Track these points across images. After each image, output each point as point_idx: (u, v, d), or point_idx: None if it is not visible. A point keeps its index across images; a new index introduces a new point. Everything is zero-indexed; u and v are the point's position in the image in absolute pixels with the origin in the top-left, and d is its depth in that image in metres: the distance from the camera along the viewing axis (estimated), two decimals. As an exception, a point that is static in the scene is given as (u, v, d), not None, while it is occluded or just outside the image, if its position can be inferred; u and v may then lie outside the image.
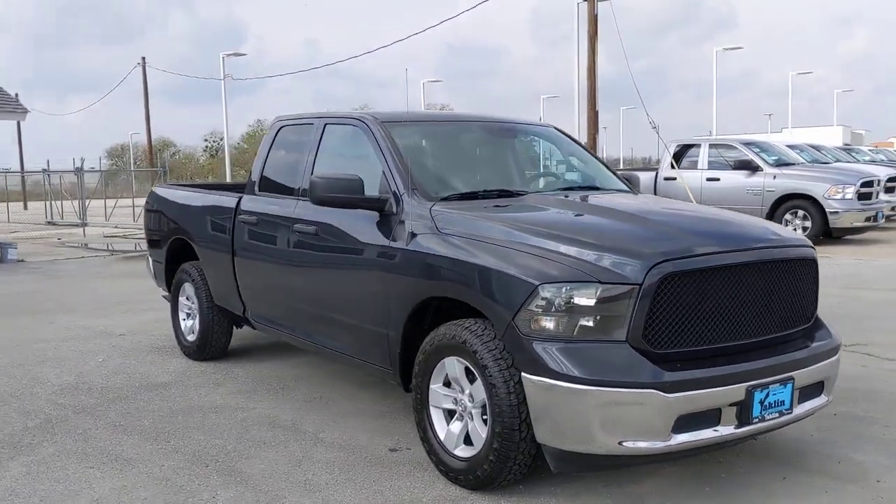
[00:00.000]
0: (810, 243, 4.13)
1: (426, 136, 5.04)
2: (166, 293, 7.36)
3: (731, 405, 3.53)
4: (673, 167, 14.60)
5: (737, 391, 3.52)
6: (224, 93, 36.90)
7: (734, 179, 14.45)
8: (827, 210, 13.78)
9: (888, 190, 15.90)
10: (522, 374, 3.55)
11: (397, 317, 4.26)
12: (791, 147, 17.26)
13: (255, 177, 5.72)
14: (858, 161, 22.83)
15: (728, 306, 3.63)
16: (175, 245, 6.80)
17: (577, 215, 4.26)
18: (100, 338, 7.56)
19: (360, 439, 4.65)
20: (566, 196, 4.76)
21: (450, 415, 4.06)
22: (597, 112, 14.54)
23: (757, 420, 3.61)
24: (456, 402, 3.98)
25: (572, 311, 3.45)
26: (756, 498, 3.78)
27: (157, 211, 7.12)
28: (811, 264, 4.01)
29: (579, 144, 5.70)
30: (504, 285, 3.63)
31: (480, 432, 3.80)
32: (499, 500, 3.79)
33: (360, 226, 4.58)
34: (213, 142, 77.49)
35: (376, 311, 4.41)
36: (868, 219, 14.16)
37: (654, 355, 3.44)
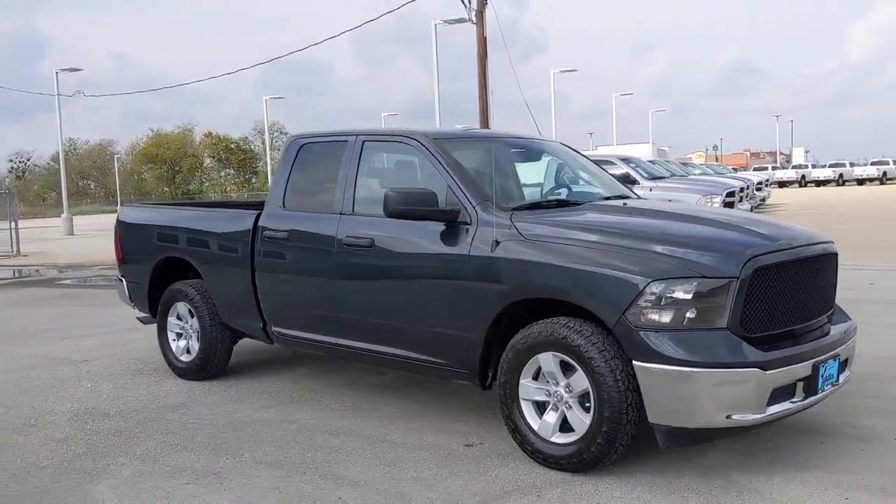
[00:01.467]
0: (833, 241, 4.82)
1: (470, 152, 5.36)
2: (143, 315, 7.22)
3: (801, 379, 4.11)
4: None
5: (806, 367, 4.11)
6: (59, 110, 35.04)
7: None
8: (699, 218, 15.11)
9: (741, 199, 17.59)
10: (634, 362, 3.97)
11: (480, 320, 4.57)
12: (651, 163, 18.68)
13: (278, 194, 5.81)
14: (694, 174, 24.88)
15: (792, 295, 4.23)
16: (162, 265, 6.71)
17: (650, 220, 4.74)
18: (62, 365, 7.28)
19: (428, 439, 4.90)
20: (624, 204, 5.24)
21: (537, 406, 4.42)
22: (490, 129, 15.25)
23: (819, 392, 4.22)
24: (548, 394, 4.34)
25: (680, 303, 3.91)
26: (812, 459, 4.37)
27: (137, 231, 6.98)
28: (836, 258, 4.70)
29: (584, 157, 6.21)
30: (614, 283, 4.04)
31: (583, 419, 4.18)
32: (601, 478, 4.17)
33: (426, 237, 4.84)
34: (20, 163, 72.34)
35: (453, 316, 4.69)
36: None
37: (748, 339, 3.97)
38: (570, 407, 4.26)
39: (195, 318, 6.41)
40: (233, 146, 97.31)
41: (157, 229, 6.76)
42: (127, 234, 7.10)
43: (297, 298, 5.64)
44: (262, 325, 5.95)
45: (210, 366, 6.40)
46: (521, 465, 4.39)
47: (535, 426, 4.39)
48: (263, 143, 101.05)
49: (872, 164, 61.08)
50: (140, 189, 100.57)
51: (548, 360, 4.30)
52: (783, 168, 67.28)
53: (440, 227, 4.82)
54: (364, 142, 5.45)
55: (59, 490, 4.27)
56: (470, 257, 4.61)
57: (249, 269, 5.87)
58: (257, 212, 5.96)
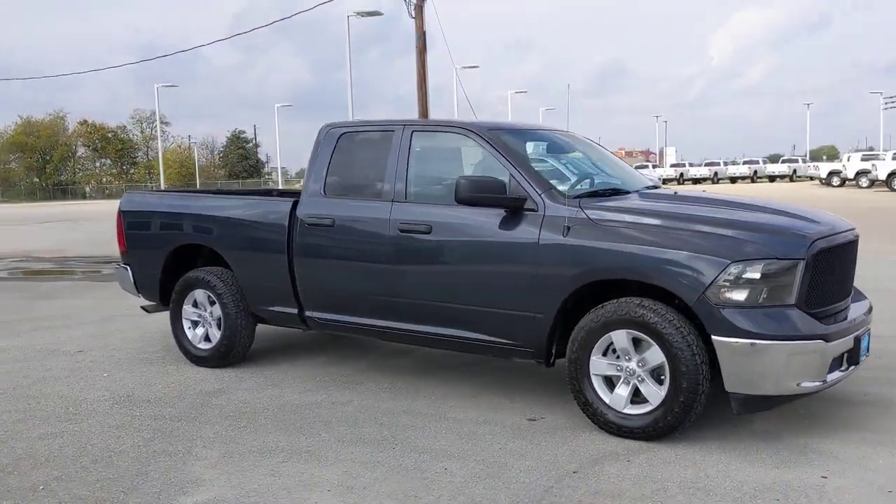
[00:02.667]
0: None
1: (522, 144, 5.62)
2: (149, 304, 7.15)
3: (847, 351, 4.61)
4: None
5: (850, 340, 4.61)
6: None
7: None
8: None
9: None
10: (714, 336, 4.36)
11: (551, 301, 4.86)
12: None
13: (318, 182, 5.92)
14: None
15: (835, 275, 4.73)
16: (178, 253, 6.68)
17: (710, 207, 5.13)
18: (57, 356, 7.11)
19: (488, 416, 5.15)
20: (674, 193, 5.63)
21: (606, 381, 4.75)
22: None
23: (858, 362, 4.74)
24: (619, 368, 4.69)
25: (755, 282, 4.33)
26: (849, 422, 4.88)
27: (148, 219, 6.90)
28: (858, 242, 5.25)
29: (607, 151, 6.58)
30: (696, 265, 4.41)
31: (658, 391, 4.55)
32: (676, 445, 4.54)
33: (488, 223, 5.09)
34: None
35: (522, 298, 4.96)
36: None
37: (810, 315, 4.44)
38: (643, 380, 4.61)
39: (217, 305, 6.42)
40: (109, 135, 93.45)
41: (174, 217, 6.70)
42: (134, 222, 6.99)
43: (342, 283, 5.76)
44: (298, 310, 6.03)
45: (234, 353, 6.43)
46: (593, 436, 4.71)
47: (606, 399, 4.73)
48: (142, 132, 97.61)
49: (745, 163, 64.76)
50: (7, 179, 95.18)
51: (621, 337, 4.64)
52: (661, 167, 70.24)
53: (501, 213, 5.07)
54: (413, 132, 5.63)
55: (156, 471, 4.30)
56: (540, 242, 4.88)
57: (286, 256, 5.95)
58: (293, 199, 6.04)
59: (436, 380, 6.01)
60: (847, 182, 43.32)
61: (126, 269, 7.07)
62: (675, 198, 5.46)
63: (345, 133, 5.98)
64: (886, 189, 37.62)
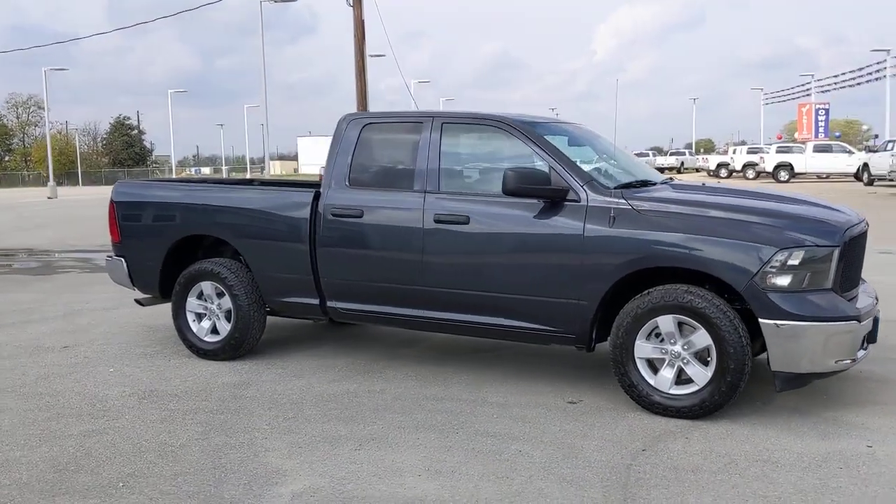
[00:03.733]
0: None
1: (554, 137, 5.77)
2: (144, 297, 6.99)
3: (869, 331, 5.01)
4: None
5: (871, 321, 5.02)
6: None
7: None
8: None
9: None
10: (761, 319, 4.67)
11: (596, 289, 5.07)
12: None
13: (342, 172, 5.92)
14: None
15: (855, 263, 5.12)
16: (180, 245, 6.55)
17: (744, 198, 5.43)
18: (47, 352, 6.85)
19: (529, 399, 5.32)
20: (703, 184, 5.91)
21: (649, 364, 5.00)
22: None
23: (875, 340, 5.15)
24: (663, 351, 4.94)
25: (799, 268, 4.66)
26: (868, 393, 5.29)
27: (149, 209, 6.73)
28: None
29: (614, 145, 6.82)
30: (745, 252, 4.69)
31: (704, 372, 4.82)
32: (722, 422, 4.82)
33: (528, 213, 5.25)
34: None
35: (566, 286, 5.14)
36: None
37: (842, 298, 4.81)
38: (688, 362, 4.88)
39: (226, 297, 6.33)
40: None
41: (181, 208, 6.55)
42: (131, 213, 6.80)
43: (371, 273, 5.79)
44: (319, 301, 6.03)
45: (244, 345, 6.36)
46: (639, 417, 4.95)
47: (651, 381, 4.97)
48: (18, 117, 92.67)
49: (671, 154, 67.11)
50: None
51: (667, 322, 4.89)
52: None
53: (538, 203, 5.24)
54: (443, 124, 5.72)
55: (230, 463, 4.28)
56: (586, 232, 5.07)
57: (308, 247, 5.93)
58: (314, 190, 6.02)
59: (455, 366, 6.13)
60: (735, 174, 45.52)
61: (121, 260, 6.86)
62: (707, 189, 5.76)
63: (368, 124, 6.00)
64: (772, 180, 39.75)
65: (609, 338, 5.12)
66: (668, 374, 4.95)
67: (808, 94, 52.93)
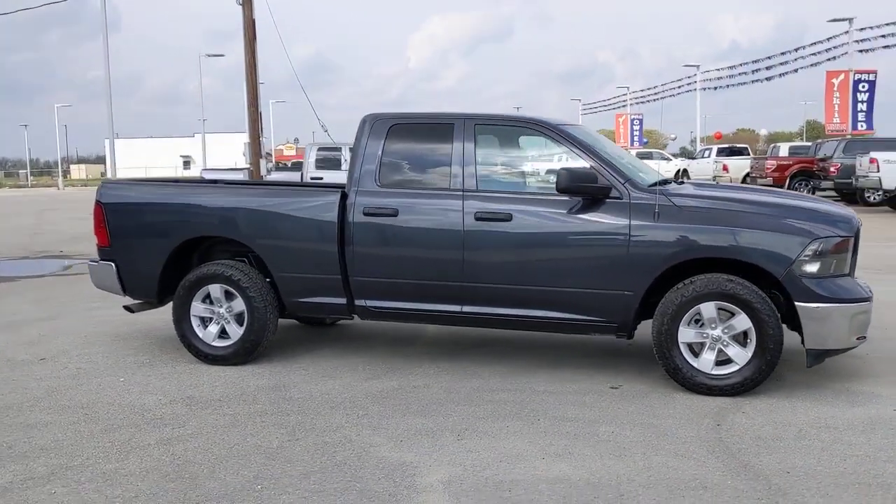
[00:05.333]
0: None
1: (587, 137, 6.07)
2: (135, 303, 6.71)
3: (866, 312, 5.71)
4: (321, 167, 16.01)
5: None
6: None
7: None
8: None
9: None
10: (797, 303, 5.23)
11: (642, 280, 5.46)
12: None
13: (370, 172, 5.98)
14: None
15: (856, 251, 5.81)
16: (183, 247, 6.35)
17: (765, 195, 5.97)
18: (41, 365, 6.40)
19: (574, 387, 5.62)
20: (717, 183, 6.39)
21: (689, 348, 5.46)
22: (260, 113, 15.11)
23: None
24: (704, 336, 5.41)
25: (827, 256, 5.26)
26: (856, 372, 5.99)
27: (146, 211, 6.45)
28: None
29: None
30: (784, 243, 5.23)
31: (744, 352, 5.33)
32: (762, 397, 5.33)
33: (569, 210, 5.57)
34: None
35: (613, 278, 5.49)
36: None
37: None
38: (727, 344, 5.37)
39: (237, 299, 6.20)
40: None
41: (186, 210, 6.33)
42: (124, 214, 6.48)
43: (406, 271, 5.88)
44: (346, 300, 6.05)
45: (259, 348, 6.26)
46: (686, 397, 5.37)
47: (695, 364, 5.42)
48: None
49: None
50: None
51: (709, 309, 5.37)
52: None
53: (579, 201, 5.57)
54: (476, 125, 5.92)
55: (350, 460, 4.30)
56: (632, 226, 5.45)
57: (336, 246, 5.94)
58: (339, 190, 6.04)
59: (483, 358, 6.34)
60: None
61: (110, 265, 6.52)
62: (727, 187, 6.31)
63: (396, 124, 6.09)
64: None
65: (653, 325, 5.51)
66: (709, 356, 5.41)
67: (623, 106, 56.54)
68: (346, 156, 16.92)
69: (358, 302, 6.06)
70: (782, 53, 37.81)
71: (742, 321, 5.31)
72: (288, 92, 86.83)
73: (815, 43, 35.10)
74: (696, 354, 5.44)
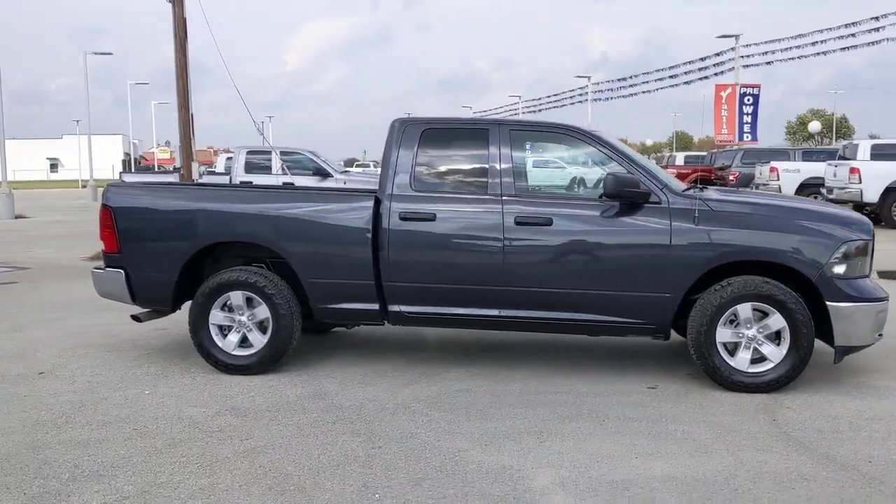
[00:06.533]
0: None
1: (619, 144, 6.20)
2: (143, 311, 6.43)
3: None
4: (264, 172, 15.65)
5: (885, 302, 6.11)
6: None
7: (311, 183, 16.19)
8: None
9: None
10: (828, 302, 5.54)
11: (682, 282, 5.64)
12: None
13: (404, 176, 5.93)
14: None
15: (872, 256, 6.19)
16: (200, 254, 6.13)
17: (788, 201, 6.25)
18: (30, 381, 6.02)
19: (612, 388, 5.75)
20: (737, 189, 6.63)
21: (725, 347, 5.69)
22: (192, 115, 14.57)
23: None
24: (739, 335, 5.65)
25: (852, 258, 5.60)
26: (866, 366, 6.37)
27: (162, 216, 6.18)
28: None
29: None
30: (817, 246, 5.52)
31: (779, 350, 5.60)
32: (796, 392, 5.61)
33: (609, 214, 5.71)
34: None
35: (653, 281, 5.65)
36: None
37: (872, 283, 5.85)
38: (762, 343, 5.63)
39: (261, 306, 6.02)
40: None
41: (205, 212, 6.10)
42: (135, 219, 6.19)
43: (444, 276, 5.86)
44: (380, 306, 5.98)
45: (283, 357, 6.10)
46: (724, 394, 5.59)
47: (732, 363, 5.65)
48: None
49: (359, 165, 68.45)
50: None
51: (745, 309, 5.61)
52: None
53: (617, 205, 5.71)
54: (510, 131, 5.97)
55: (448, 465, 4.27)
56: (673, 230, 5.63)
57: (370, 251, 5.87)
58: (372, 195, 5.97)
59: (506, 362, 6.39)
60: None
61: (119, 272, 6.20)
62: (751, 193, 6.57)
63: (428, 129, 6.07)
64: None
65: (690, 326, 5.70)
66: (745, 355, 5.65)
67: (516, 113, 57.81)
68: (276, 160, 16.59)
69: (392, 307, 5.99)
70: (671, 67, 39.55)
71: (777, 321, 5.57)
72: (158, 93, 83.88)
73: (704, 58, 36.90)
74: (731, 354, 5.67)
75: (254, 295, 6.02)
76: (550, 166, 6.41)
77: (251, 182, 15.65)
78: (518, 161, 5.97)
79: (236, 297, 6.04)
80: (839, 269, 5.55)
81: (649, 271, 5.68)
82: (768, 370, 5.62)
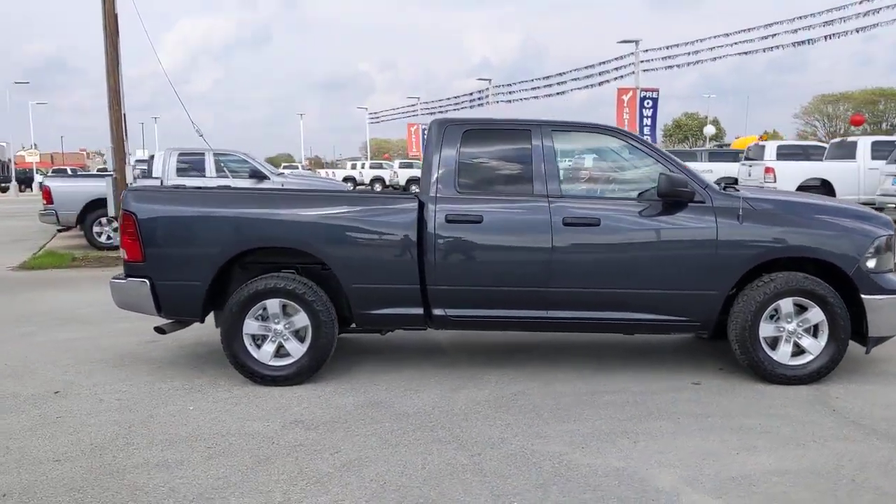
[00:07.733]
0: None
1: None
2: (167, 322, 6.09)
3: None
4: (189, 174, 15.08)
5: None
6: None
7: (247, 185, 15.69)
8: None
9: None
10: (863, 295, 5.77)
11: (727, 280, 5.77)
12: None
13: (448, 178, 5.83)
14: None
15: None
16: (233, 261, 5.86)
17: (818, 199, 6.45)
18: (51, 400, 5.60)
19: (658, 386, 5.81)
20: (761, 187, 6.78)
21: (766, 341, 5.85)
22: (124, 114, 13.82)
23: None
24: (780, 329, 5.82)
25: (882, 253, 5.86)
26: (874, 357, 6.69)
27: (193, 223, 5.85)
28: None
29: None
30: (853, 241, 5.75)
31: (818, 343, 5.81)
32: (835, 383, 5.80)
33: (655, 214, 5.78)
34: None
35: (700, 279, 5.74)
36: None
37: (894, 277, 6.16)
38: (801, 336, 5.83)
39: (300, 314, 5.80)
40: None
41: (243, 219, 5.81)
42: (163, 226, 5.83)
43: (492, 278, 5.78)
44: (423, 310, 5.85)
45: (323, 365, 5.89)
46: (767, 387, 5.74)
47: (774, 357, 5.82)
48: None
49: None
50: None
51: (787, 304, 5.79)
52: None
53: (660, 204, 5.80)
54: (553, 131, 5.96)
55: (558, 468, 4.22)
56: (719, 229, 5.75)
57: (415, 255, 5.74)
58: (415, 197, 5.85)
59: (540, 363, 6.37)
60: (362, 186, 48.09)
61: (143, 282, 5.83)
62: (784, 192, 6.76)
63: (469, 130, 5.98)
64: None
65: (732, 322, 5.83)
66: (786, 348, 5.83)
67: (415, 115, 57.77)
68: (209, 162, 16.00)
69: (436, 311, 5.87)
70: (576, 70, 40.41)
71: (816, 315, 5.77)
72: (15, 94, 79.81)
73: (604, 62, 37.89)
74: (772, 348, 5.83)
75: (291, 302, 5.79)
76: (592, 166, 6.38)
77: (184, 185, 15.03)
78: (561, 161, 5.96)
79: (273, 305, 5.79)
80: (871, 264, 5.79)
81: (697, 269, 5.77)
82: (809, 362, 5.81)
